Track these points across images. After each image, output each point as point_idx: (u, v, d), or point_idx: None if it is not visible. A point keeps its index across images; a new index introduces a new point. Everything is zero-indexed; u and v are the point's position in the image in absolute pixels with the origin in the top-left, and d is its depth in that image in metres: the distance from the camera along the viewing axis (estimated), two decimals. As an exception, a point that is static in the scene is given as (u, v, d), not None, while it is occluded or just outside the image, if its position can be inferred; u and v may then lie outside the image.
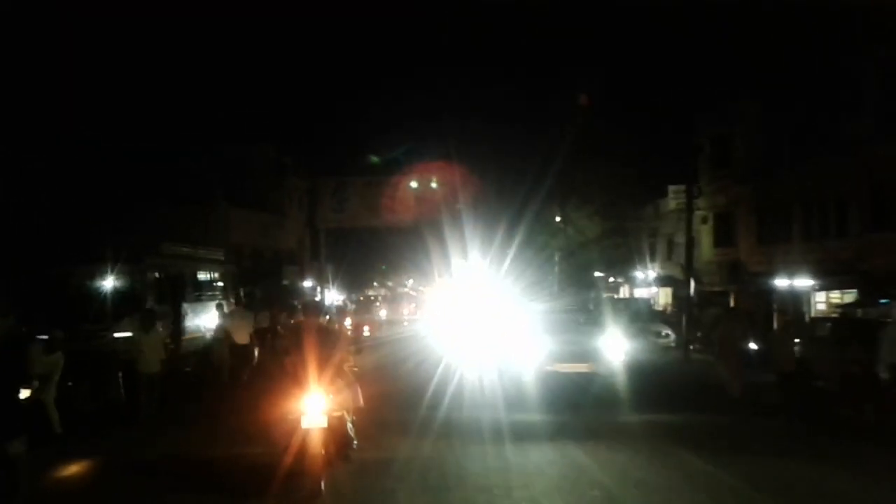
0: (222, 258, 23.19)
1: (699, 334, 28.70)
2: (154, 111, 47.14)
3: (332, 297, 52.15)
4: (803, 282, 27.19)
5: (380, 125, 78.09)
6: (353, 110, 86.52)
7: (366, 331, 36.04)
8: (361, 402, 10.24)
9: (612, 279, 48.48)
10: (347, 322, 36.40)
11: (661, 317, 33.78)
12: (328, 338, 9.31)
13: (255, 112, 59.68)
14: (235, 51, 62.84)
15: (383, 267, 75.14)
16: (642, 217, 45.19)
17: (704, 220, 36.32)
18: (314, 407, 8.40)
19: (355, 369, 10.48)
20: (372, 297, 54.62)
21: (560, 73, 66.56)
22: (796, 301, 28.10)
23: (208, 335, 19.38)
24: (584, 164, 39.87)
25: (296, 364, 8.77)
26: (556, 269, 41.62)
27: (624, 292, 50.36)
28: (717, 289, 35.24)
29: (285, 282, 47.19)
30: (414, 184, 39.73)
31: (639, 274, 45.63)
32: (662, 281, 44.04)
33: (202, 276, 21.22)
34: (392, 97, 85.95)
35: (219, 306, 19.67)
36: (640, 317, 31.00)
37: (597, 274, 45.41)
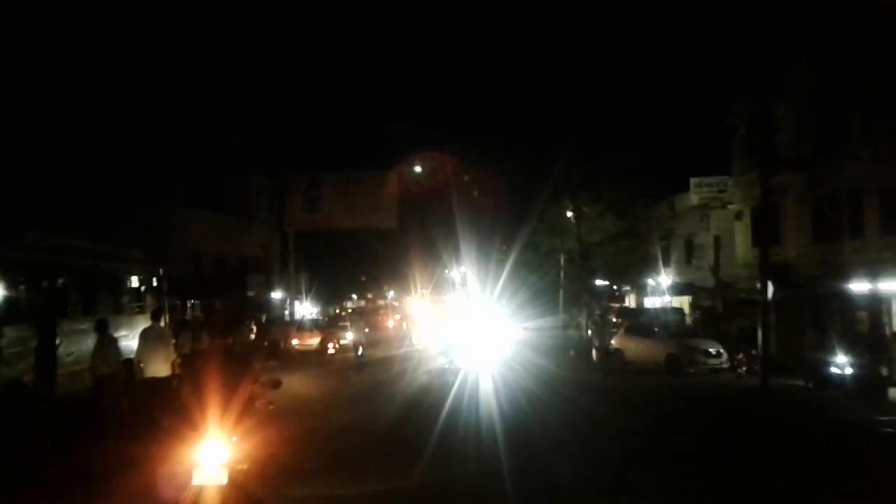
0: (141, 257, 16.63)
1: (753, 352, 22.62)
2: (105, 98, 40.60)
3: (305, 310, 45.68)
4: (890, 284, 21.09)
5: (363, 118, 71.26)
6: (336, 103, 79.40)
7: (330, 348, 30.67)
8: (278, 447, 8.14)
9: (615, 287, 42.22)
10: (295, 341, 31.10)
11: (694, 330, 27.58)
12: (235, 366, 7.18)
13: (222, 104, 53.15)
14: (203, 35, 56.18)
15: (363, 279, 68.42)
16: (655, 217, 39.01)
17: (738, 216, 30.36)
18: (211, 458, 6.57)
19: (271, 407, 8.10)
20: (349, 311, 48.07)
21: (570, 53, 59.77)
22: (875, 309, 22.01)
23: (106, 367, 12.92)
24: (594, 155, 33.78)
25: (189, 401, 6.83)
26: (562, 275, 35.37)
27: (629, 302, 44.07)
28: (755, 297, 29.01)
29: (250, 293, 40.58)
30: (418, 168, 33.37)
31: (650, 281, 39.39)
32: (678, 289, 37.94)
33: (104, 281, 14.66)
34: (377, 85, 78.38)
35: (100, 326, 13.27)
36: (678, 332, 24.91)
37: (598, 282, 39.19)
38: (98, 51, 40.89)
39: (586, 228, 35.56)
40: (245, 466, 7.26)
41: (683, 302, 40.15)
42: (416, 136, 73.41)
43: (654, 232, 40.01)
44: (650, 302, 41.40)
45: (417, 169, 39.18)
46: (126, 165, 39.56)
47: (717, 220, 34.62)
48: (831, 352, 19.11)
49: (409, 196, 38.87)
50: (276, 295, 42.95)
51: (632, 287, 42.33)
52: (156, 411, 9.09)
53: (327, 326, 33.66)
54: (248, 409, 7.41)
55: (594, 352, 23.59)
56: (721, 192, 34.28)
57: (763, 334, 20.27)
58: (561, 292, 35.40)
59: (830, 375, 19.06)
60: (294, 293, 43.28)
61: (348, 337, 31.57)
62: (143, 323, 14.48)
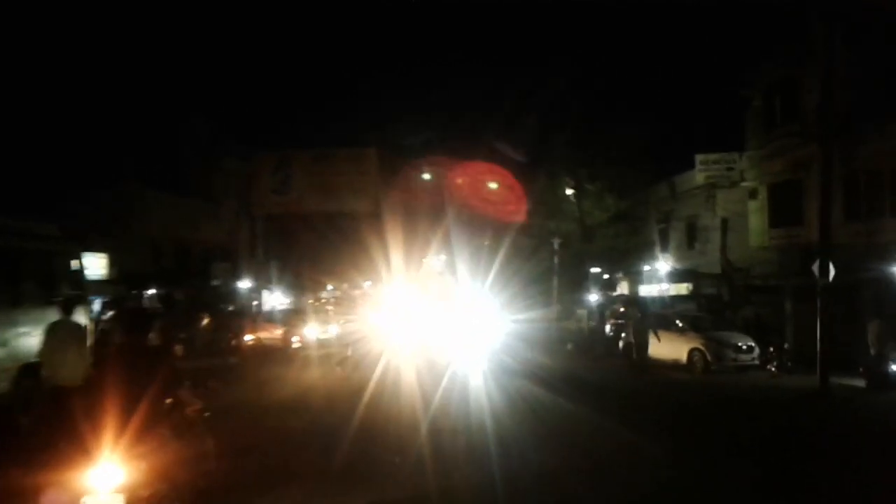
0: (55, 234, 13.02)
1: (785, 346, 19.51)
2: (58, 75, 36.70)
3: (275, 300, 42.02)
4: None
5: (340, 93, 67.25)
6: (311, 78, 75.03)
7: (294, 342, 27.82)
8: (212, 463, 6.68)
9: (607, 275, 38.94)
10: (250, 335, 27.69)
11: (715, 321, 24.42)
12: (145, 370, 5.72)
13: (185, 80, 49.13)
14: (164, 9, 52.10)
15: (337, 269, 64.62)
16: (652, 199, 35.81)
17: (753, 195, 27.22)
18: (102, 483, 5.38)
19: (206, 415, 6.40)
20: (323, 301, 44.35)
21: (561, 20, 55.83)
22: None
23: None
24: (591, 131, 30.53)
25: (83, 414, 5.48)
26: (556, 262, 32.03)
27: (621, 291, 40.76)
28: (772, 283, 26.05)
29: (215, 282, 36.89)
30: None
31: (646, 268, 36.20)
32: (678, 276, 34.77)
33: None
34: (354, 57, 74.12)
35: None
36: (702, 324, 21.73)
37: (593, 269, 35.95)
38: (51, 25, 36.92)
39: (585, 209, 32.31)
40: (149, 491, 5.78)
41: (682, 289, 37.08)
42: (397, 111, 69.21)
43: (651, 215, 36.83)
44: (645, 290, 38.25)
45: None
46: (80, 147, 35.76)
47: (724, 200, 31.50)
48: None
49: (391, 177, 35.34)
50: (244, 284, 39.25)
51: (624, 274, 39.11)
52: (56, 429, 6.85)
53: (291, 318, 30.05)
54: (163, 420, 5.93)
55: (632, 350, 20.48)
56: (729, 169, 31.27)
57: (822, 325, 17.07)
58: (555, 280, 32.12)
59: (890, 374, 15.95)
60: (263, 282, 39.57)
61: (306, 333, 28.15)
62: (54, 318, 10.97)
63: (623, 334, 21.25)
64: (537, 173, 32.41)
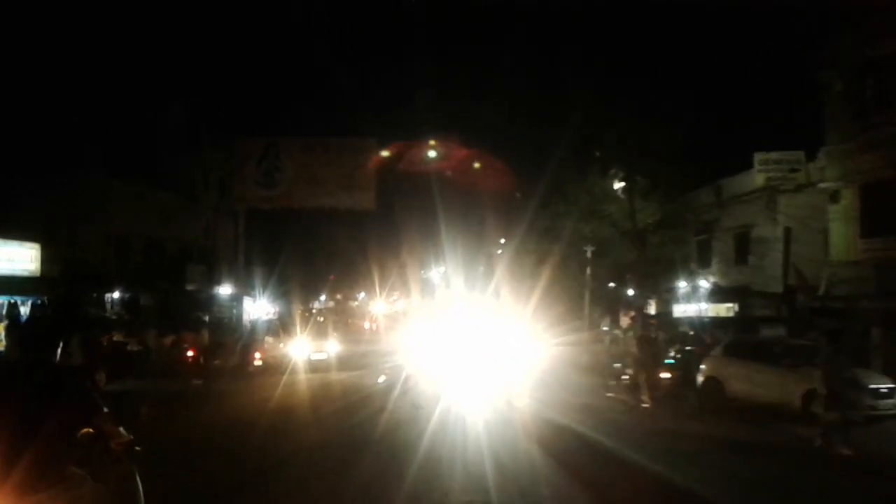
0: None
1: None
2: (28, 53, 31.74)
3: (261, 309, 36.85)
4: None
5: (334, 81, 61.74)
6: (304, 63, 69.45)
7: (257, 359, 22.56)
8: None
9: (631, 292, 33.73)
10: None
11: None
12: (54, 393, 4.47)
13: (165, 62, 43.98)
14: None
15: (332, 277, 59.08)
16: (692, 206, 30.71)
17: (835, 198, 22.20)
18: None
19: (137, 449, 4.95)
20: (314, 312, 39.09)
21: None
22: None
23: None
24: (630, 122, 25.57)
25: None
26: (589, 272, 26.93)
27: (650, 310, 35.35)
28: (864, 304, 20.98)
29: (190, 286, 31.70)
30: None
31: (681, 284, 31.08)
32: (722, 294, 29.61)
33: None
34: (349, 41, 68.33)
35: None
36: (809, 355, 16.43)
37: (630, 291, 30.81)
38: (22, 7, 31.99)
39: (621, 214, 27.18)
40: None
41: (721, 310, 31.99)
42: (400, 99, 63.78)
43: (690, 224, 31.63)
44: (680, 309, 33.09)
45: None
46: (41, 129, 30.73)
47: (786, 206, 26.54)
48: None
49: (392, 172, 30.27)
50: (224, 290, 34.05)
51: (653, 291, 33.77)
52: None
53: (269, 331, 24.72)
54: (75, 457, 4.67)
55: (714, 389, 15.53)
56: (793, 170, 26.42)
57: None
58: (587, 295, 27.03)
59: None
60: (244, 288, 34.37)
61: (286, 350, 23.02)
62: None
63: (702, 366, 15.96)
64: (563, 168, 27.36)
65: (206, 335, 21.66)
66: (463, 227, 33.81)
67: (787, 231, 26.51)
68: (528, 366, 15.03)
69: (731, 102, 30.76)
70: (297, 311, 38.42)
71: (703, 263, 31.73)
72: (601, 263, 27.94)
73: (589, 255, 27.44)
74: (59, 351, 4.79)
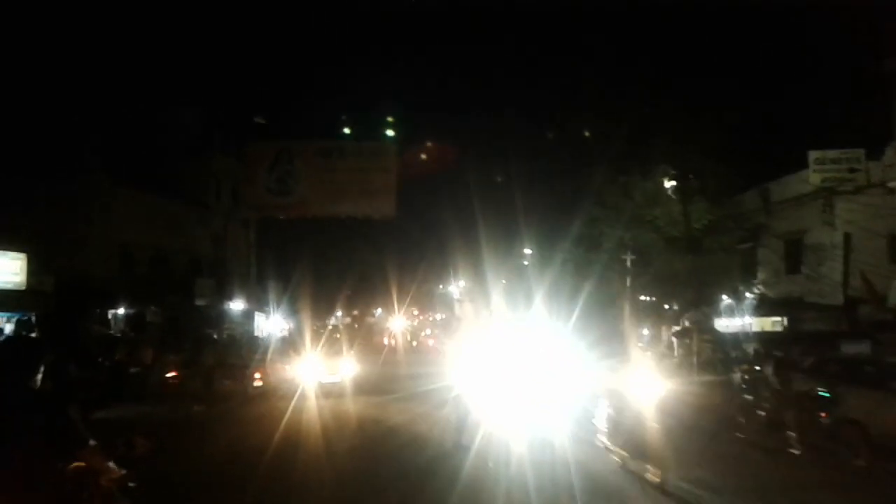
0: None
1: None
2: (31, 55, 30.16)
3: (275, 325, 34.82)
4: None
5: (350, 85, 59.57)
6: (318, 66, 67.37)
7: (256, 380, 20.01)
8: None
9: (667, 306, 31.25)
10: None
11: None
12: (26, 423, 4.17)
13: (175, 65, 42.23)
14: None
15: (347, 293, 56.76)
16: (737, 213, 28.35)
17: (906, 199, 19.86)
18: None
19: (131, 485, 4.63)
20: (330, 328, 36.91)
21: None
22: None
23: None
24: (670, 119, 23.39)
25: None
26: (629, 283, 24.61)
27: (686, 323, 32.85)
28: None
29: (201, 302, 29.68)
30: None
31: (723, 297, 28.72)
32: (769, 307, 27.26)
33: None
34: (365, 38, 65.90)
35: None
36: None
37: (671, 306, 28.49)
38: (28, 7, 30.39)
39: (666, 219, 24.85)
40: None
41: (766, 324, 29.57)
42: (423, 96, 61.10)
43: (733, 232, 29.15)
44: (722, 324, 30.66)
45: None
46: (42, 132, 29.01)
47: (844, 210, 24.28)
48: None
49: (412, 177, 28.27)
50: (236, 306, 32.02)
51: (700, 303, 31.14)
52: None
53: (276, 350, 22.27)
54: (57, 494, 4.25)
55: None
56: (853, 170, 24.09)
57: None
58: (627, 308, 24.68)
59: None
60: (257, 304, 32.30)
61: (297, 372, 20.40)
62: None
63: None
64: (602, 171, 25.11)
65: (209, 355, 19.44)
66: (485, 236, 31.61)
67: (848, 237, 24.23)
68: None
69: (777, 96, 28.38)
70: (312, 327, 36.28)
71: (748, 274, 29.30)
72: (641, 274, 25.60)
73: (629, 263, 25.15)
74: (38, 376, 4.34)
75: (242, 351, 21.52)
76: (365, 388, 20.72)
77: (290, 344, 23.39)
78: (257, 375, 19.72)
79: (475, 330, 20.13)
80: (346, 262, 36.77)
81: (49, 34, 30.78)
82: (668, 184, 23.80)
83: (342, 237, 35.99)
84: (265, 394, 19.50)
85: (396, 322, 56.27)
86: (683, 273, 24.94)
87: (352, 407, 17.35)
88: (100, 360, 18.07)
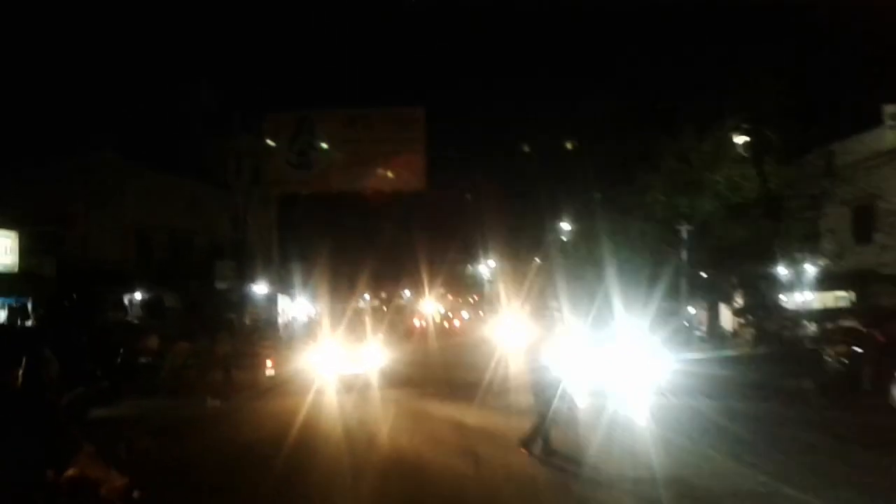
0: None
1: None
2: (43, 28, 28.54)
3: (299, 309, 33.02)
4: None
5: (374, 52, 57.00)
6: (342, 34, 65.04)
7: (269, 367, 18.30)
8: None
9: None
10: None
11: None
12: (11, 427, 3.78)
13: (194, 39, 40.41)
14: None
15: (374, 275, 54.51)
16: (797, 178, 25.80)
17: None
18: None
19: (136, 495, 3.72)
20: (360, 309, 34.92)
21: None
22: None
23: None
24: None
25: None
26: (686, 257, 22.33)
27: (738, 300, 30.46)
28: None
29: (221, 285, 27.87)
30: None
31: (780, 269, 26.38)
32: (834, 281, 24.92)
33: None
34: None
35: None
36: None
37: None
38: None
39: (727, 184, 22.36)
40: None
41: (828, 300, 27.24)
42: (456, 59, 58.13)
43: (790, 199, 26.58)
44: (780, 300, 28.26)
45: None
46: (55, 108, 27.42)
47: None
48: None
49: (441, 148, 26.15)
50: (259, 289, 30.18)
51: (744, 279, 28.71)
52: None
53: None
54: None
55: None
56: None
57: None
58: (683, 283, 22.43)
59: None
60: (281, 286, 30.47)
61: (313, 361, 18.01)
62: None
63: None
64: (651, 134, 22.78)
65: (225, 342, 17.46)
66: (522, 210, 29.44)
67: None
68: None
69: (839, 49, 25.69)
70: (338, 311, 34.27)
71: (809, 243, 26.76)
72: (698, 246, 23.23)
73: (685, 234, 22.83)
74: (20, 370, 3.84)
75: (254, 337, 19.55)
76: (395, 379, 18.35)
77: (311, 329, 21.33)
78: (269, 364, 17.64)
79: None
80: (374, 241, 34.77)
81: (65, 11, 29.15)
82: (740, 139, 21.30)
83: (369, 214, 33.94)
84: (277, 387, 17.36)
85: (427, 304, 54.30)
86: (744, 244, 22.54)
87: (379, 406, 14.67)
88: (120, 349, 16.31)
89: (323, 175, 25.97)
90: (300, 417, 12.89)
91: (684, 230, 22.72)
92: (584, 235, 28.02)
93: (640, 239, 23.68)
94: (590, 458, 8.91)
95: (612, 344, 11.79)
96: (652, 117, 23.38)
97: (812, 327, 20.79)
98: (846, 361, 14.61)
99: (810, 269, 26.82)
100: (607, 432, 10.20)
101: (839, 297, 27.35)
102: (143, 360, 16.56)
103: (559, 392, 9.13)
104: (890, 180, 23.09)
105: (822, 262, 25.89)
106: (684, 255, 22.98)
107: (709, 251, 23.60)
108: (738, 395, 14.08)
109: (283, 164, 26.17)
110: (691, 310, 29.99)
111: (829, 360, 15.13)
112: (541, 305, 36.36)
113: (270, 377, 17.71)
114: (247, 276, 30.20)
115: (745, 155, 21.50)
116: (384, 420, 12.91)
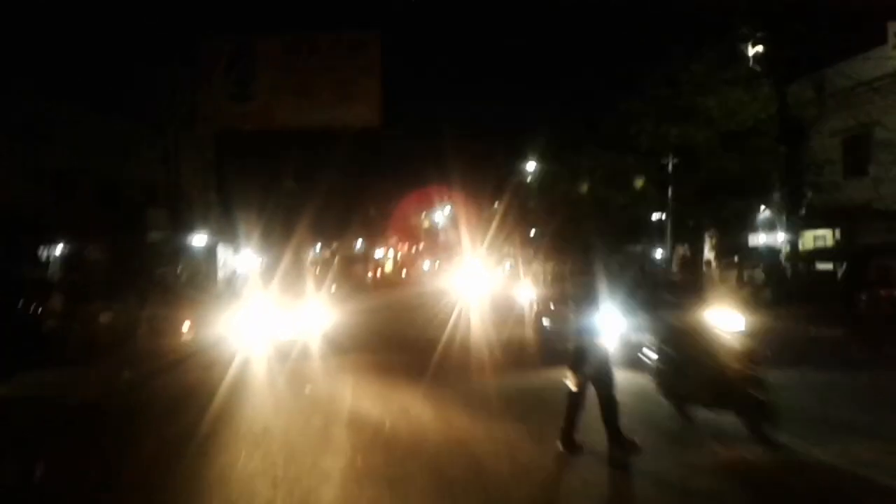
0: None
1: None
2: None
3: (245, 262, 30.24)
4: None
5: None
6: None
7: (185, 332, 15.58)
8: None
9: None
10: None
11: None
12: None
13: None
14: None
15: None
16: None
17: None
18: None
19: None
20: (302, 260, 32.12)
21: None
22: None
23: None
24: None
25: None
26: (671, 195, 20.21)
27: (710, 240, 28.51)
28: None
29: (155, 236, 24.92)
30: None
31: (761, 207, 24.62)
32: (823, 218, 23.14)
33: None
34: None
35: None
36: None
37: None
38: None
39: (722, 110, 20.07)
40: None
41: (808, 240, 25.51)
42: None
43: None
44: (758, 241, 26.53)
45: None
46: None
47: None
48: None
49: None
50: (199, 241, 27.26)
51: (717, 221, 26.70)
52: None
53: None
54: None
55: None
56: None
57: None
58: (669, 226, 20.29)
59: None
60: (223, 236, 27.60)
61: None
62: None
63: None
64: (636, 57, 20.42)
65: (144, 302, 14.69)
66: (484, 151, 27.01)
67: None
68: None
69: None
70: (289, 262, 31.45)
71: (794, 178, 24.75)
72: (687, 181, 21.08)
73: (670, 168, 20.66)
74: None
75: (179, 294, 16.67)
76: (341, 343, 15.03)
77: (245, 284, 18.11)
78: (185, 328, 14.66)
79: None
80: (323, 186, 31.86)
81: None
82: (752, 51, 18.90)
83: (319, 154, 30.97)
84: (190, 358, 14.14)
85: (380, 254, 51.90)
86: (737, 177, 20.46)
87: (316, 383, 11.62)
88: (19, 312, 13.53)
89: (265, 108, 23.09)
90: (206, 401, 9.89)
91: (670, 163, 20.52)
92: (559, 174, 25.74)
93: (624, 175, 21.49)
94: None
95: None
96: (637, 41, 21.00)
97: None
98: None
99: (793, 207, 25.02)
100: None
101: (818, 237, 25.71)
102: (49, 323, 13.79)
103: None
104: (887, 108, 21.15)
105: (808, 197, 23.97)
106: (670, 194, 20.83)
107: (697, 187, 21.49)
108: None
109: (219, 97, 23.22)
110: (658, 254, 28.22)
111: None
112: (504, 254, 34.49)
113: (186, 344, 14.75)
114: (183, 226, 27.22)
115: (757, 69, 19.14)
116: (317, 409, 9.70)
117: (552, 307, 11.97)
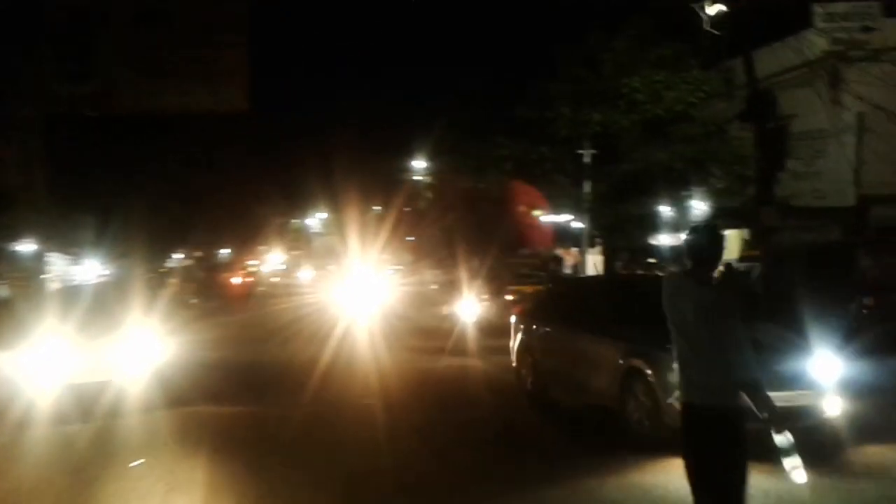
0: None
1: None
2: None
3: (89, 273, 25.85)
4: None
5: None
6: None
7: None
8: None
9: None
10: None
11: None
12: None
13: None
14: None
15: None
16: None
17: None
18: None
19: None
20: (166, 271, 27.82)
21: None
22: None
23: None
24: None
25: None
26: (589, 189, 17.89)
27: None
28: None
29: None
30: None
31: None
32: (732, 219, 21.61)
33: None
34: None
35: None
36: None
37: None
38: None
39: (648, 93, 17.90)
40: None
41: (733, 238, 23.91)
42: None
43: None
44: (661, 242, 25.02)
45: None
46: None
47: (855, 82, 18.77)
48: None
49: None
50: (24, 246, 22.72)
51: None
52: None
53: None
54: None
55: None
56: (866, 29, 18.51)
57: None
58: (587, 220, 17.98)
59: None
60: (60, 242, 23.19)
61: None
62: None
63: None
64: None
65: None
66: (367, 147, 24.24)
67: (861, 118, 18.60)
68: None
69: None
70: (143, 274, 26.85)
71: (700, 176, 23.08)
72: (608, 174, 18.82)
73: (587, 158, 18.34)
74: None
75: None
76: (179, 387, 10.06)
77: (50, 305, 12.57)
78: None
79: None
80: (181, 182, 27.69)
81: None
82: (712, 9, 16.59)
83: (174, 145, 26.88)
84: None
85: (250, 262, 48.02)
86: (664, 169, 18.41)
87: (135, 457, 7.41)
88: None
89: (106, 89, 19.08)
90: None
91: (586, 155, 18.26)
92: (459, 168, 23.04)
93: (538, 165, 19.02)
94: None
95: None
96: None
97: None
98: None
99: (699, 206, 23.44)
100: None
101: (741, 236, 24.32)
102: None
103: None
104: (807, 98, 19.72)
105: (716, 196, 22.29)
106: (586, 186, 18.56)
107: (617, 181, 19.26)
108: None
109: (50, 73, 19.03)
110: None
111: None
112: (388, 261, 31.72)
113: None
114: (11, 230, 22.57)
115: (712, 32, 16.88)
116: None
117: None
